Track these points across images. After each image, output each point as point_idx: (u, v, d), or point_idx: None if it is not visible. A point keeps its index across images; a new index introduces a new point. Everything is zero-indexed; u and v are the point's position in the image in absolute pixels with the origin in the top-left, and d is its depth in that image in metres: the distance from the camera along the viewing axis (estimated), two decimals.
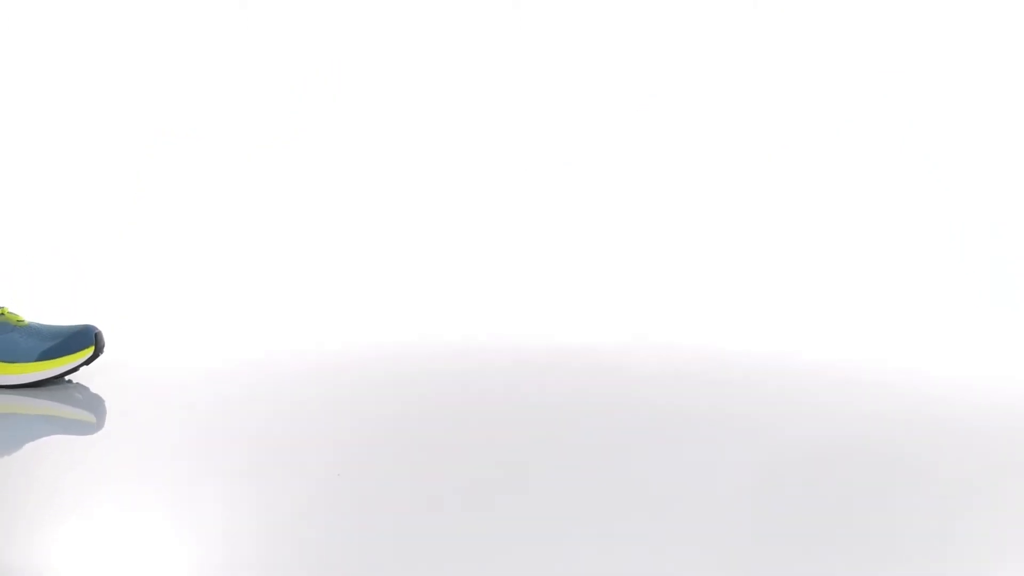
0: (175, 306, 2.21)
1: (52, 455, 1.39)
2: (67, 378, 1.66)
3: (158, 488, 1.29)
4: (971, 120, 3.06)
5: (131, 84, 3.02)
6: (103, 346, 1.65)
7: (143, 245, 2.70)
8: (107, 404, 1.61)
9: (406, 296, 2.33)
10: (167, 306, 2.21)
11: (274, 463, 1.38)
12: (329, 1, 3.10)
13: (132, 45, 3.06)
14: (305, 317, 2.16)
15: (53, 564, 1.11)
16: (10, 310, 1.67)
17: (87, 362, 1.64)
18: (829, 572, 1.11)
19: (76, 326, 1.65)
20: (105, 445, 1.44)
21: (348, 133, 3.00)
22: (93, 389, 1.66)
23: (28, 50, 3.00)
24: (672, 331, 1.99)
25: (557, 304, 2.10)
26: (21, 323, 1.64)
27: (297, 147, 3.03)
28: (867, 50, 3.14)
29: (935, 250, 2.74)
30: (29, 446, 1.44)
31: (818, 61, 3.14)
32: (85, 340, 1.64)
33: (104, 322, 2.07)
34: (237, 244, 2.75)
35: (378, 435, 1.51)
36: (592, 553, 1.15)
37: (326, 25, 3.10)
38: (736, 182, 3.02)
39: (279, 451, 1.43)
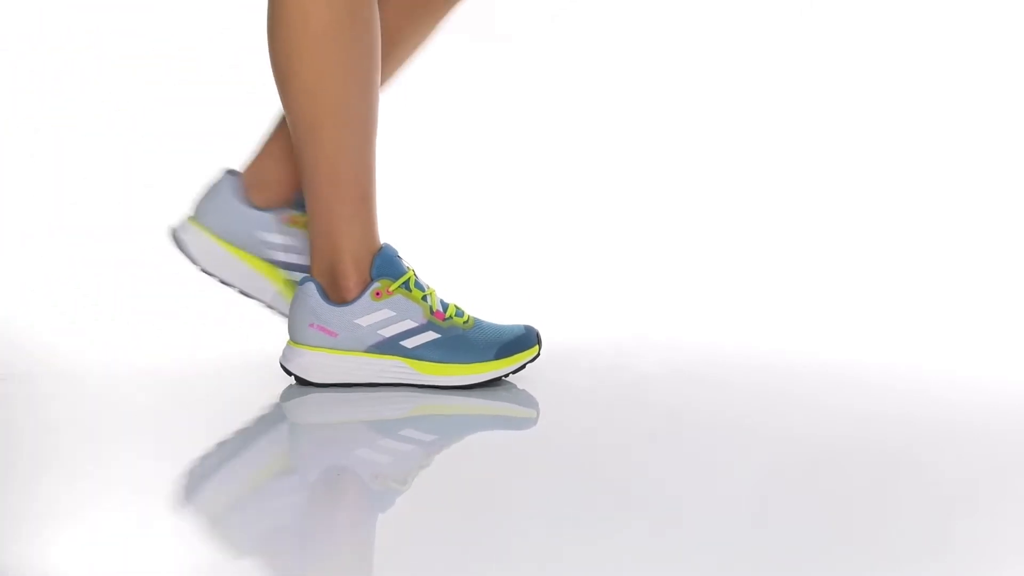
0: (168, 304, 2.20)
1: (48, 454, 1.39)
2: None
3: (156, 488, 1.28)
4: (971, 118, 3.05)
5: (122, 83, 3.02)
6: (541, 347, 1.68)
7: (132, 245, 2.70)
8: (101, 403, 1.61)
9: None
10: (161, 304, 2.21)
11: (274, 463, 1.38)
12: None
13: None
14: None
15: (52, 564, 1.11)
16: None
17: (531, 361, 1.67)
18: (830, 572, 1.11)
19: (520, 327, 1.67)
20: (101, 444, 1.44)
21: None
22: (88, 387, 1.66)
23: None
24: (673, 330, 1.98)
25: (559, 302, 2.10)
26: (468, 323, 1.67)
27: None
28: (869, 46, 3.14)
29: (935, 249, 2.74)
30: (27, 444, 1.44)
31: (820, 57, 3.13)
32: (529, 341, 1.67)
33: (97, 320, 2.07)
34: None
35: (379, 434, 1.51)
36: (592, 553, 1.15)
37: None
38: (739, 180, 3.02)
39: (279, 451, 1.42)
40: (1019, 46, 3.07)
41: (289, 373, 1.64)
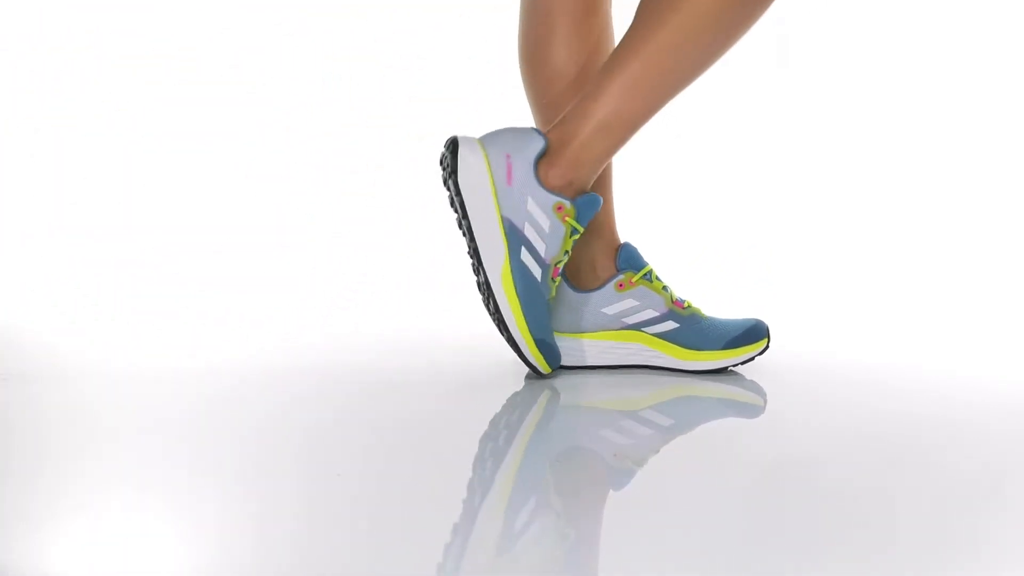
0: (169, 304, 2.20)
1: (48, 454, 1.39)
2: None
3: (156, 488, 1.28)
4: (971, 119, 3.05)
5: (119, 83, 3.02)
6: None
7: (128, 244, 2.70)
8: (101, 403, 1.61)
9: (410, 289, 2.33)
10: (161, 304, 2.21)
11: (274, 463, 1.38)
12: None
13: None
14: (307, 314, 2.16)
15: (52, 564, 1.11)
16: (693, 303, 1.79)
17: (760, 354, 1.76)
18: (830, 571, 1.11)
19: (751, 320, 1.76)
20: (101, 444, 1.44)
21: (337, 129, 2.99)
22: (88, 387, 1.66)
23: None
24: None
25: None
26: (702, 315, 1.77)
27: (284, 142, 3.03)
28: (869, 44, 3.14)
29: (936, 249, 2.74)
30: (26, 444, 1.44)
31: (823, 57, 3.13)
32: (759, 334, 1.75)
33: (97, 320, 2.07)
34: (224, 238, 2.74)
35: (378, 433, 1.51)
36: (596, 553, 1.15)
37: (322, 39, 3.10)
38: (742, 179, 3.02)
39: (279, 451, 1.42)
40: (1019, 46, 3.07)
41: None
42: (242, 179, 2.94)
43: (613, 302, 1.74)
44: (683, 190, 2.99)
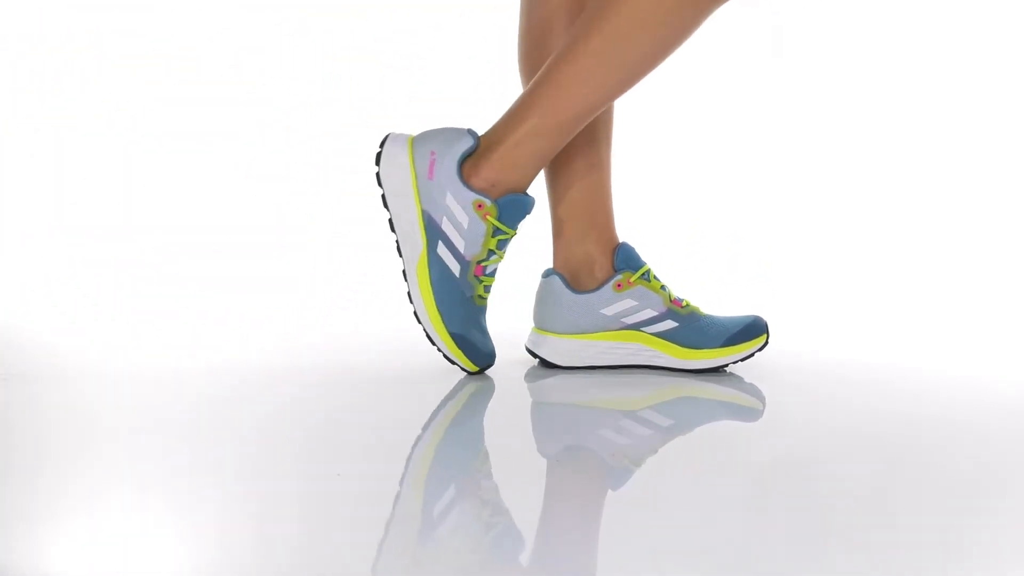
0: (169, 304, 2.20)
1: (48, 454, 1.39)
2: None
3: (156, 488, 1.28)
4: (971, 119, 3.05)
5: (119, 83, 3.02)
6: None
7: (125, 245, 2.70)
8: (101, 403, 1.61)
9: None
10: (161, 304, 2.21)
11: (274, 463, 1.38)
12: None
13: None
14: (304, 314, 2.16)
15: (52, 564, 1.11)
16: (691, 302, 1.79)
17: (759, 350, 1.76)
18: (829, 571, 1.11)
19: (749, 317, 1.76)
20: (101, 444, 1.44)
21: (337, 129, 2.99)
22: (88, 387, 1.66)
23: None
24: None
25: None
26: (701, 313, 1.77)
27: (284, 142, 3.02)
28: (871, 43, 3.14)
29: (936, 249, 2.74)
30: (26, 444, 1.44)
31: (818, 48, 3.13)
32: (758, 330, 1.75)
33: (97, 320, 2.07)
34: (224, 238, 2.74)
35: (378, 433, 1.51)
36: (593, 552, 1.15)
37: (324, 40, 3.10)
38: (739, 173, 3.02)
39: (279, 451, 1.42)
40: (1019, 46, 3.07)
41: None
42: (242, 179, 2.94)
43: (612, 302, 1.74)
44: (679, 184, 2.99)
